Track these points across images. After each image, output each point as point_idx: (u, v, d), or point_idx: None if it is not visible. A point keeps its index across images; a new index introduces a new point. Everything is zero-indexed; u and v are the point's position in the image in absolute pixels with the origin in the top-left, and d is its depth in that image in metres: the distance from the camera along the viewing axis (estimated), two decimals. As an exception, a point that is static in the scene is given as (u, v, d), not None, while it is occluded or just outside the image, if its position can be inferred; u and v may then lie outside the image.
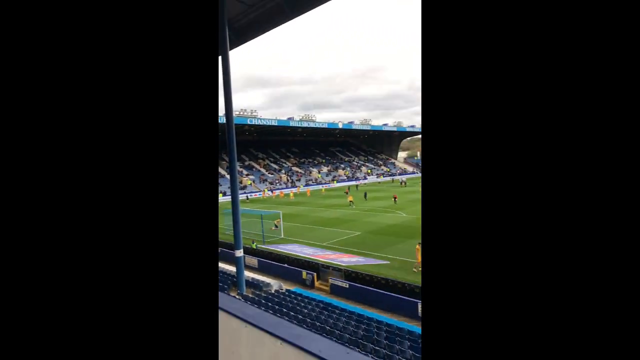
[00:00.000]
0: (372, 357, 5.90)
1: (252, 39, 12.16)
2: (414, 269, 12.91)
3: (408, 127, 73.92)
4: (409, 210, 26.80)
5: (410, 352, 6.52)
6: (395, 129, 71.05)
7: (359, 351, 6.10)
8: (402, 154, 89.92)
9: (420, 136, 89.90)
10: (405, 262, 13.93)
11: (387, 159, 75.34)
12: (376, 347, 6.68)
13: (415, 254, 13.20)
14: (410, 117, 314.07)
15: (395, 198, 30.98)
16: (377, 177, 60.96)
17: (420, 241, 13.08)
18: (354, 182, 54.38)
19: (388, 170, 67.42)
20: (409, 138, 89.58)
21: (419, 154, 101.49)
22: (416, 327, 8.79)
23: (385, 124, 70.28)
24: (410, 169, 72.58)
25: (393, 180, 57.41)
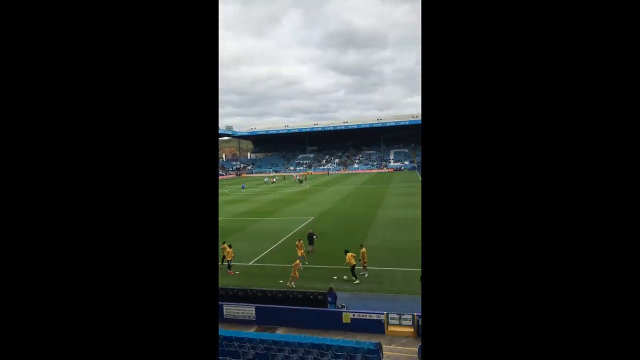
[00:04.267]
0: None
1: None
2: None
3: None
4: (214, 212, 26.43)
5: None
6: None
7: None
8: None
9: (225, 138, 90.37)
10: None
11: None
12: None
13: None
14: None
15: None
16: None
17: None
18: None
19: (192, 172, 64.26)
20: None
21: (224, 155, 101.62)
22: (221, 330, 8.75)
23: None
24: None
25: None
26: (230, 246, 12.91)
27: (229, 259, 12.69)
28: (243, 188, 43.75)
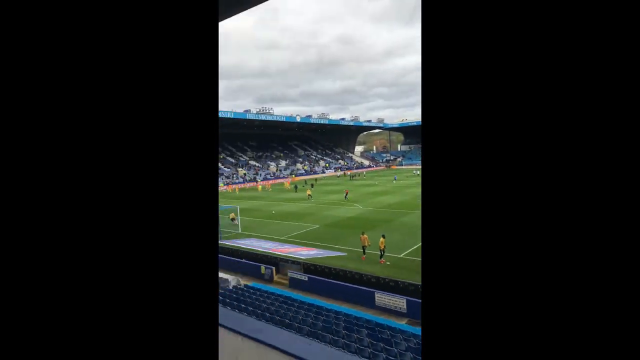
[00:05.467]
0: (331, 347, 6.03)
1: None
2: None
3: (364, 121, 75.42)
4: (364, 203, 27.48)
5: (368, 339, 6.74)
6: (352, 123, 72.16)
7: (318, 342, 6.20)
8: (358, 148, 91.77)
9: (376, 131, 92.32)
10: (362, 253, 14.31)
11: (345, 153, 76.43)
12: (335, 337, 6.83)
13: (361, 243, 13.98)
14: (365, 112, 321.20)
15: (346, 193, 31.27)
16: (334, 171, 61.68)
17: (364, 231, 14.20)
18: (312, 176, 54.58)
19: (345, 164, 68.45)
20: (364, 133, 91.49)
21: (374, 147, 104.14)
22: (372, 316, 9.09)
23: (343, 119, 71.10)
24: (366, 162, 74.25)
25: (344, 173, 58.26)
26: (383, 236, 13.56)
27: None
28: (395, 179, 44.30)
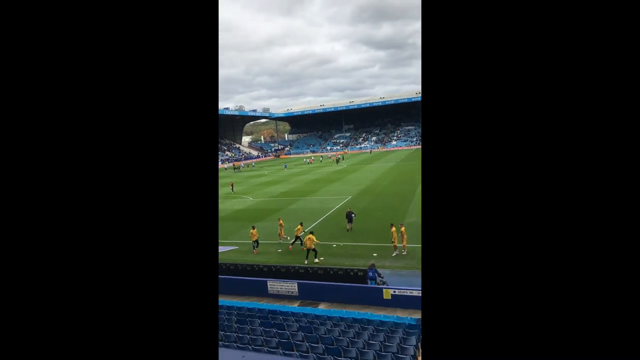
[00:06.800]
0: (220, 345, 5.92)
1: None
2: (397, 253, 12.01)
3: (250, 111, 74.23)
4: (255, 194, 27.34)
5: (261, 328, 6.84)
6: (237, 113, 70.25)
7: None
8: (246, 139, 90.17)
9: (263, 120, 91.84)
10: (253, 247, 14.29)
11: (232, 143, 74.17)
12: (227, 333, 6.72)
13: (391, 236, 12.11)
14: (250, 102, 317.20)
15: (232, 185, 30.70)
16: (222, 164, 59.38)
17: (393, 223, 12.36)
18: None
19: (233, 155, 66.55)
20: (251, 123, 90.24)
21: (262, 137, 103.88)
22: (265, 305, 9.23)
23: (227, 108, 68.58)
24: (255, 153, 73.56)
25: (233, 166, 56.76)
26: (253, 227, 13.96)
27: (254, 239, 13.65)
28: (285, 167, 45.71)
